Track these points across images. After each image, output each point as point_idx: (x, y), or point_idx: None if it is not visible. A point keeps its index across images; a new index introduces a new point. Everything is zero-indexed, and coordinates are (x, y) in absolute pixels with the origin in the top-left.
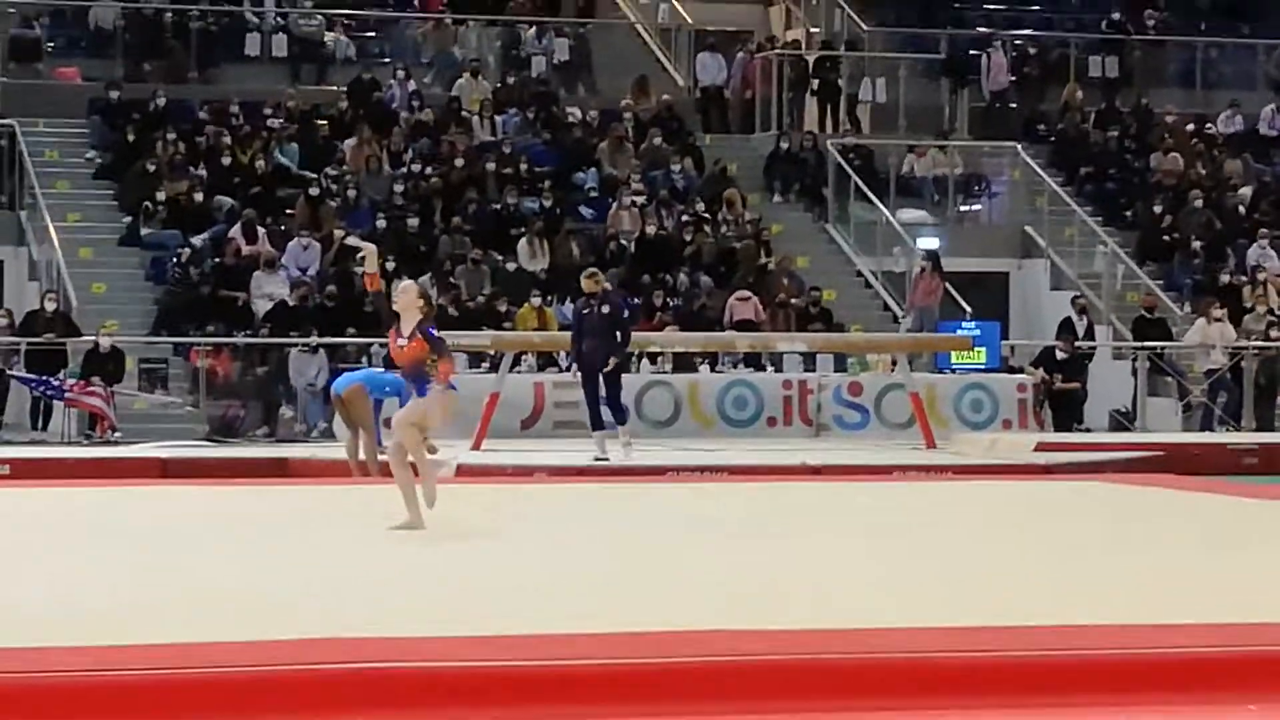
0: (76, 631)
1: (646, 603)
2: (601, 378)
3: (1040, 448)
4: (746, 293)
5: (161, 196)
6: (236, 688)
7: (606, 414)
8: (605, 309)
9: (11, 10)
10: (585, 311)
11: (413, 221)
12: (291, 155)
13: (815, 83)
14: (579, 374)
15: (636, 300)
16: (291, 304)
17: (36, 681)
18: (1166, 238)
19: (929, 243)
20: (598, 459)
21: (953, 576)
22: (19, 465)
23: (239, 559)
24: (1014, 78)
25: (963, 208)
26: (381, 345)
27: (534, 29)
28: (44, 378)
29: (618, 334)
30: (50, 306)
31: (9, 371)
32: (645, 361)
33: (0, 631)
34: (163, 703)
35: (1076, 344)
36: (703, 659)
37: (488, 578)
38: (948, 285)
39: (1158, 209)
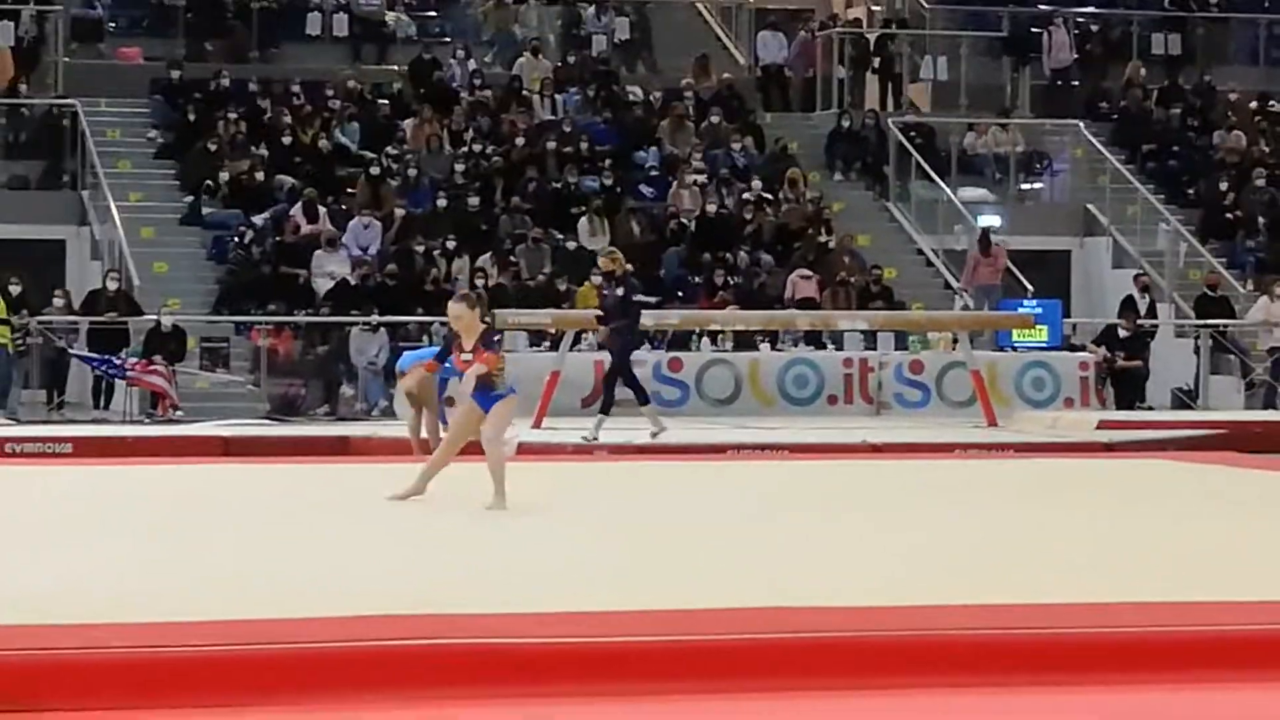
0: (133, 609)
1: (697, 580)
2: (610, 357)
3: (1102, 426)
4: (807, 271)
5: (223, 176)
6: (290, 664)
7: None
8: (620, 290)
9: None
10: (605, 292)
11: (473, 200)
12: (352, 134)
13: (876, 60)
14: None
15: (698, 279)
16: (353, 283)
17: (91, 659)
18: (1229, 215)
19: (990, 220)
20: (654, 434)
21: (1004, 553)
22: (81, 443)
23: (297, 536)
24: (1076, 55)
25: (1024, 186)
26: (443, 323)
27: (594, 7)
28: (106, 357)
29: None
30: (112, 286)
31: (71, 351)
32: (706, 340)
33: (56, 608)
34: (214, 680)
35: (1138, 322)
36: (748, 636)
37: (543, 555)
38: (1010, 264)
39: (1221, 187)
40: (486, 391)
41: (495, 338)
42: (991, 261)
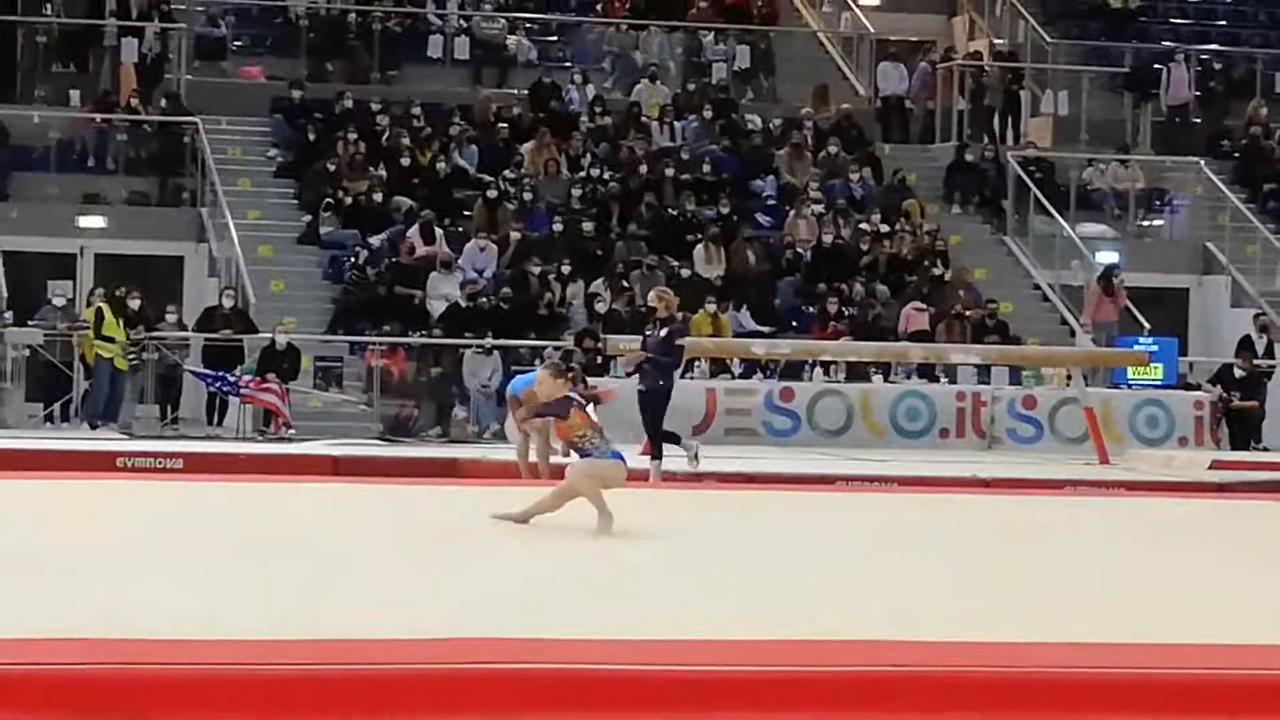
0: (233, 626)
1: (787, 613)
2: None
3: (1215, 466)
4: (921, 303)
5: (343, 198)
6: (384, 685)
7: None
8: (664, 332)
9: (199, 9)
10: (648, 333)
11: (589, 226)
12: (470, 157)
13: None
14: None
15: (812, 309)
16: (466, 305)
17: (191, 674)
18: None
19: (1109, 257)
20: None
21: (1093, 593)
22: (192, 459)
23: (400, 558)
24: (1198, 92)
25: (1143, 222)
26: (555, 348)
27: (714, 35)
28: (220, 374)
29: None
30: (228, 303)
31: (185, 367)
32: (818, 370)
33: (159, 624)
34: (311, 700)
35: (1255, 362)
36: (828, 669)
37: (644, 581)
38: (1128, 302)
39: None
40: (583, 453)
41: (573, 405)
42: (1113, 298)
